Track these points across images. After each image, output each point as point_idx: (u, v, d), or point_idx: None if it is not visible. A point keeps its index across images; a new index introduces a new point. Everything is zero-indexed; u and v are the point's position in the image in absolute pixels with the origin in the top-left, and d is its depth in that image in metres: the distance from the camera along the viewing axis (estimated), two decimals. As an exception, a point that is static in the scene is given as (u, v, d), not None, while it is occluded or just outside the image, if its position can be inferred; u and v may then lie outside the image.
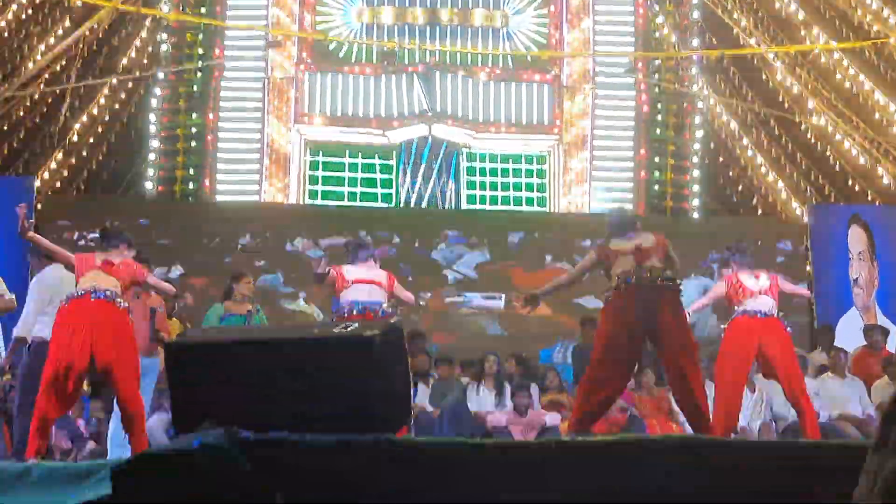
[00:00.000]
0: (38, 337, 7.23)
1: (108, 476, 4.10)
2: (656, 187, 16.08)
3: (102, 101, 16.06)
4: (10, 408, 7.72)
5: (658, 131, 16.23)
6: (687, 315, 6.82)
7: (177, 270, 13.68)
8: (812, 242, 14.61)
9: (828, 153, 16.12)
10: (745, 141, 16.71)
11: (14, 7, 15.16)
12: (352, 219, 14.74)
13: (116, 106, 16.35)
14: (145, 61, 16.47)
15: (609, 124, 15.99)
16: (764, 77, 16.73)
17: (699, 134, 16.38)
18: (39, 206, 14.07)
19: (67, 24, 15.61)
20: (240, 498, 3.83)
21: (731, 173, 17.04)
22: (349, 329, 4.35)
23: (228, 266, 12.92)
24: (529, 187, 15.97)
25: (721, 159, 17.14)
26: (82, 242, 12.82)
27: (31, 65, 15.17)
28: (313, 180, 15.76)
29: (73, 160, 15.91)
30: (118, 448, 7.45)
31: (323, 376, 4.15)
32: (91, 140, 16.09)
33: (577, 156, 15.88)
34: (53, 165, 15.68)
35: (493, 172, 15.97)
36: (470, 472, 4.07)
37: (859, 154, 15.83)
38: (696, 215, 15.94)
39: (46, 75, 15.37)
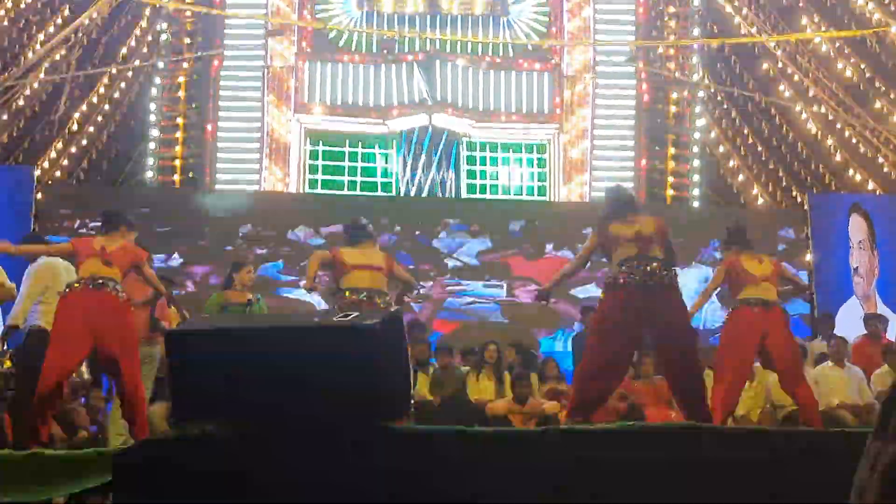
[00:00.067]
0: (35, 325, 7.23)
1: (108, 464, 4.12)
2: (656, 176, 16.07)
3: (102, 90, 16.05)
4: (10, 396, 7.72)
5: (658, 120, 16.22)
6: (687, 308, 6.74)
7: (176, 259, 13.69)
8: (812, 231, 14.60)
9: (829, 142, 16.11)
10: (745, 129, 16.71)
11: (14, -4, 15.16)
12: (353, 207, 14.71)
13: (116, 95, 16.34)
14: (145, 50, 16.45)
15: (609, 113, 15.98)
16: (765, 66, 16.71)
17: (699, 123, 16.37)
18: (39, 195, 14.07)
19: (67, 12, 15.58)
20: (239, 486, 3.84)
21: (731, 163, 17.04)
22: (350, 318, 4.35)
23: (229, 254, 12.95)
24: (529, 176, 15.97)
25: (721, 149, 17.14)
26: (83, 231, 12.83)
27: (30, 54, 15.15)
28: (313, 169, 15.76)
29: (73, 149, 15.89)
30: (119, 436, 7.48)
31: (323, 365, 4.15)
32: (91, 129, 16.08)
33: (578, 145, 15.86)
34: (53, 154, 15.67)
35: (493, 161, 15.96)
36: (470, 460, 4.08)
37: (859, 143, 15.83)
38: (696, 204, 15.94)
39: (46, 64, 15.34)
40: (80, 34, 15.27)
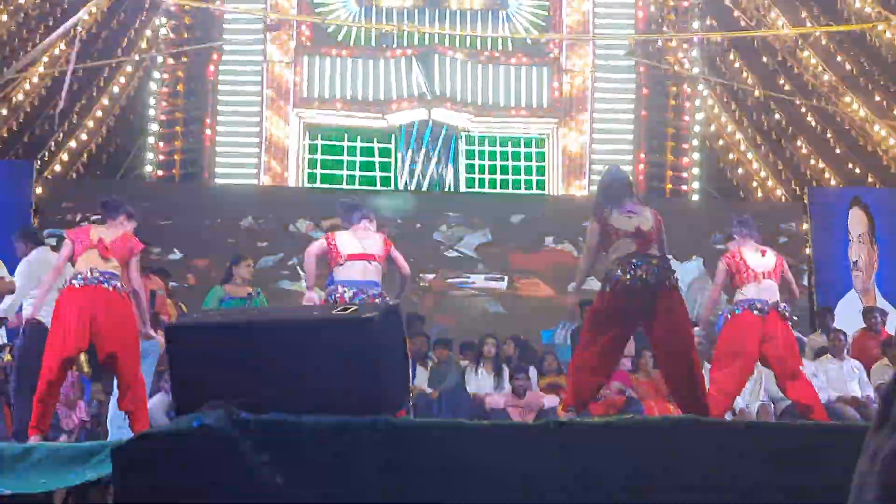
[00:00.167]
0: (33, 319, 7.23)
1: (108, 456, 4.13)
2: (655, 170, 16.07)
3: (101, 84, 16.03)
4: (10, 389, 7.73)
5: (657, 114, 16.20)
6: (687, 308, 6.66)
7: (177, 253, 13.71)
8: (812, 225, 14.61)
9: (828, 135, 16.11)
10: (745, 123, 16.70)
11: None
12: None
13: (116, 89, 16.32)
14: (144, 45, 16.44)
15: (608, 107, 15.97)
16: (764, 59, 16.70)
17: (699, 117, 16.37)
18: (39, 189, 14.08)
19: (66, 6, 15.56)
20: (239, 478, 3.85)
21: (731, 156, 17.03)
22: (348, 311, 4.36)
23: (230, 247, 12.96)
24: (528, 170, 15.97)
25: (721, 142, 17.14)
26: (85, 224, 12.83)
27: (30, 48, 15.13)
28: (312, 164, 15.76)
29: (73, 143, 15.89)
30: (119, 429, 7.48)
31: (322, 358, 4.16)
32: (90, 123, 16.07)
33: (577, 139, 15.86)
34: (53, 148, 15.67)
35: (492, 155, 15.96)
36: (468, 453, 4.08)
37: (859, 137, 15.82)
38: (695, 198, 15.95)
39: (45, 58, 15.32)
40: (79, 28, 15.24)
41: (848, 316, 12.16)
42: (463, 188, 15.65)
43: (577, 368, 6.31)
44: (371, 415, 4.08)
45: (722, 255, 7.71)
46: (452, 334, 11.55)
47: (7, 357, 8.55)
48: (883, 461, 1.57)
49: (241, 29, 15.83)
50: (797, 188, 16.11)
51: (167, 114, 15.75)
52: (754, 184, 16.71)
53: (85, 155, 16.08)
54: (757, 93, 16.56)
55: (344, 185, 15.47)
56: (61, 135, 15.67)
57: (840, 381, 9.61)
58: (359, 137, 15.77)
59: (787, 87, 16.33)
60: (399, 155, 15.53)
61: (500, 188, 15.77)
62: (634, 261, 6.11)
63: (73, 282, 6.54)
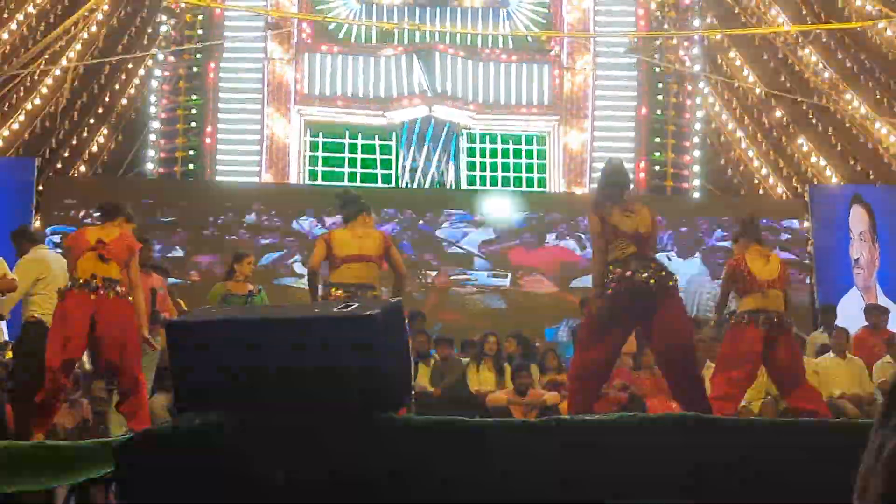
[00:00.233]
0: (33, 317, 7.23)
1: (110, 454, 4.12)
2: (656, 167, 16.07)
3: (103, 81, 16.03)
4: (12, 386, 7.73)
5: (658, 112, 16.20)
6: (686, 310, 6.61)
7: (180, 249, 13.73)
8: (813, 222, 14.61)
9: (829, 132, 16.10)
10: (746, 120, 16.69)
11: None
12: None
13: (117, 87, 16.33)
14: (146, 42, 16.44)
15: (609, 104, 15.97)
16: (765, 57, 16.69)
17: (700, 114, 16.36)
18: (41, 186, 14.08)
19: (67, 3, 15.57)
20: (240, 476, 3.84)
21: (732, 153, 17.03)
22: (349, 308, 4.35)
23: (233, 243, 13.00)
24: (529, 168, 15.97)
25: (722, 139, 17.13)
26: (89, 221, 12.84)
27: (31, 43, 15.14)
28: (313, 161, 15.76)
29: (75, 141, 15.89)
30: (120, 426, 7.48)
31: (323, 355, 4.15)
32: (92, 121, 16.08)
33: (577, 136, 15.86)
34: (54, 146, 15.67)
35: (493, 153, 15.96)
36: (470, 451, 4.08)
37: (859, 134, 15.81)
38: (696, 195, 15.94)
39: (46, 56, 15.33)
40: (80, 26, 15.25)
41: (850, 314, 12.14)
42: (464, 186, 15.65)
43: (577, 377, 6.24)
44: (372, 412, 4.07)
45: (727, 261, 7.63)
46: (456, 331, 11.56)
47: (8, 354, 8.55)
48: (888, 455, 1.56)
49: (243, 27, 15.84)
50: (798, 186, 16.10)
51: (168, 111, 15.75)
52: (755, 181, 16.71)
53: (86, 152, 16.09)
54: (758, 90, 16.55)
55: (346, 183, 15.46)
56: (63, 132, 15.67)
57: (842, 379, 9.60)
58: (360, 135, 15.77)
59: (788, 85, 16.32)
60: (401, 153, 15.53)
61: (501, 186, 15.77)
62: (634, 263, 6.04)
63: (75, 288, 6.52)
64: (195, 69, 15.86)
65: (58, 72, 15.45)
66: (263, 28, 15.72)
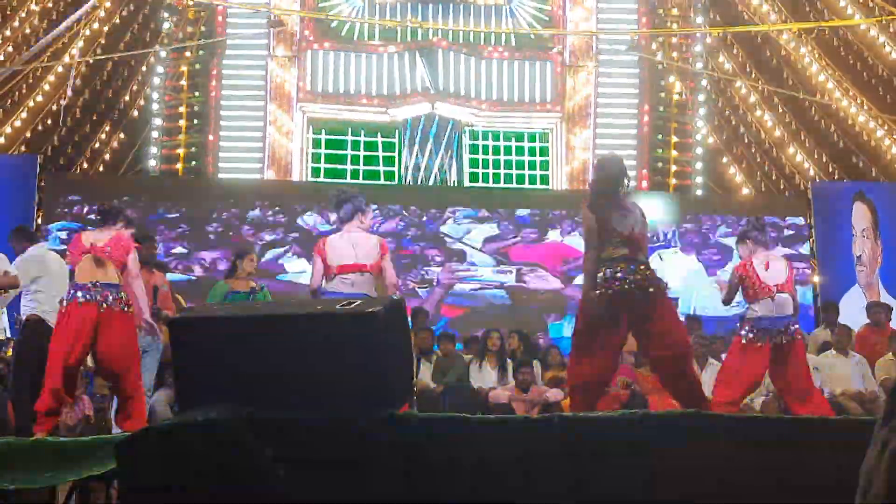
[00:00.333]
0: (32, 315, 7.23)
1: (112, 451, 4.12)
2: (659, 164, 16.07)
3: (106, 79, 16.05)
4: (12, 384, 7.74)
5: (661, 109, 16.19)
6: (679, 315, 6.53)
7: (184, 246, 13.74)
8: (815, 219, 14.59)
9: (832, 129, 16.08)
10: (749, 118, 16.68)
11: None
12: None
13: (120, 84, 16.34)
14: (148, 39, 16.44)
15: (612, 101, 15.96)
16: (768, 53, 16.68)
17: (702, 112, 16.34)
18: (43, 183, 14.09)
19: (69, 0, 15.58)
20: (243, 473, 3.85)
21: (734, 150, 17.01)
22: (352, 305, 4.35)
23: (235, 241, 13.02)
24: (532, 165, 15.96)
25: (725, 136, 17.11)
26: (92, 216, 12.85)
27: (33, 40, 15.15)
28: (316, 158, 15.76)
29: (76, 138, 15.90)
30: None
31: (326, 352, 4.15)
32: (94, 117, 16.09)
33: (580, 133, 15.85)
34: (56, 143, 15.68)
35: (496, 150, 15.96)
36: (472, 448, 4.08)
37: (862, 131, 15.79)
38: (698, 192, 15.93)
39: (49, 53, 15.33)
40: (83, 23, 15.25)
41: (852, 311, 12.13)
42: (467, 183, 15.65)
43: (577, 389, 6.12)
44: (375, 409, 4.07)
45: (734, 267, 7.57)
46: (460, 327, 11.56)
47: (9, 352, 8.56)
48: (892, 453, 1.56)
49: (245, 24, 15.83)
50: (800, 183, 16.08)
51: (171, 109, 15.76)
52: (757, 178, 16.69)
53: (88, 150, 16.10)
54: (760, 87, 16.53)
55: (348, 180, 15.47)
56: (65, 129, 15.68)
57: (844, 376, 9.59)
58: (362, 132, 15.78)
59: (790, 82, 16.30)
60: (404, 150, 15.52)
61: (504, 183, 15.78)
62: (627, 266, 5.91)
63: (77, 296, 6.51)
64: (198, 66, 15.87)
65: (60, 69, 15.45)
66: (266, 25, 15.70)
